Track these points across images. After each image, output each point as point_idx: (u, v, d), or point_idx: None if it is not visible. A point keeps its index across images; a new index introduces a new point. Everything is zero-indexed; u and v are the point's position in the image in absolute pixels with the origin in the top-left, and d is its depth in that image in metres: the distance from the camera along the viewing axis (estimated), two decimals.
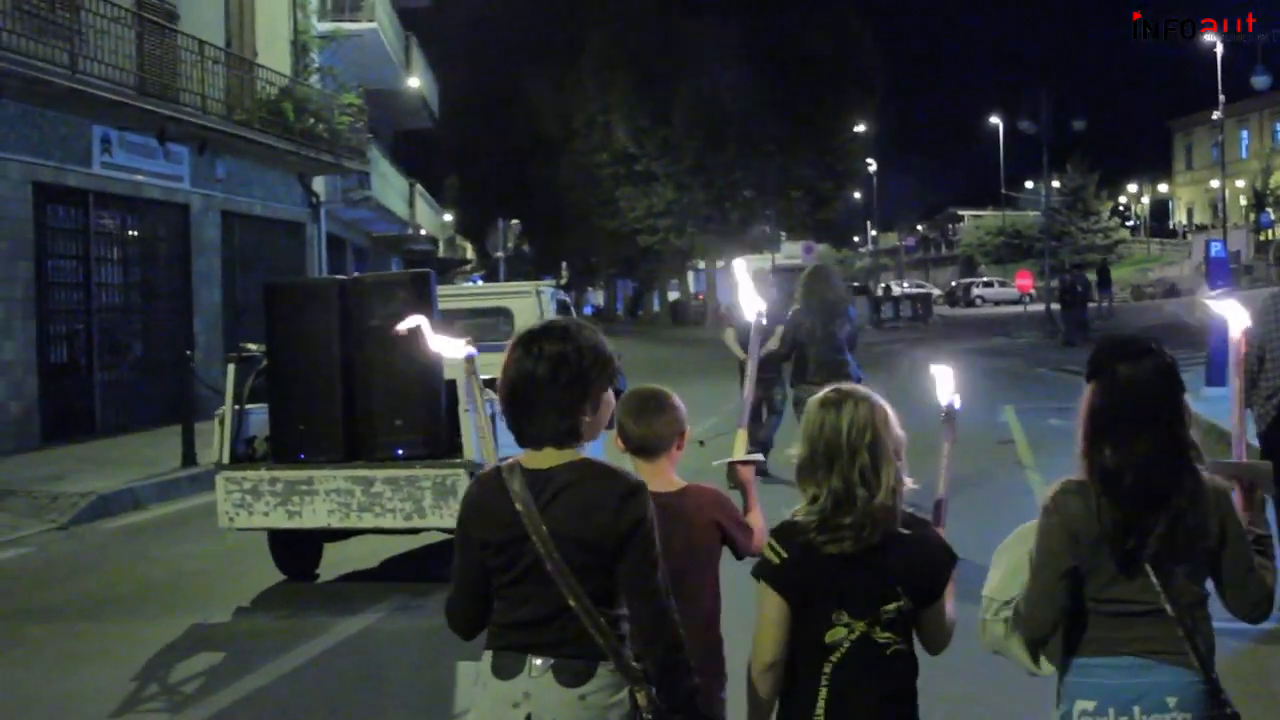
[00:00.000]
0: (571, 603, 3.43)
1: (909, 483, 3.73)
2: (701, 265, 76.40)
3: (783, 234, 74.03)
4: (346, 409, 10.17)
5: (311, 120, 28.04)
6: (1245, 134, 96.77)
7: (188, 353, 19.70)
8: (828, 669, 3.62)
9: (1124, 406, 3.66)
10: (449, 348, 4.04)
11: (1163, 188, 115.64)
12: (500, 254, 36.60)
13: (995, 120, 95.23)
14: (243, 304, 26.25)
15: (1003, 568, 3.97)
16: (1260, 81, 39.06)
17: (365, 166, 31.95)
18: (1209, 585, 3.73)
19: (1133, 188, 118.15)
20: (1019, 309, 53.48)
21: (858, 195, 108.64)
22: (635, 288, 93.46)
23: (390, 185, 38.83)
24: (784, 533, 3.71)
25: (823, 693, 3.62)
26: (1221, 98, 65.27)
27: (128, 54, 21.71)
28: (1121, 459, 3.61)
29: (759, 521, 4.39)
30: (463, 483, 9.64)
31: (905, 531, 3.69)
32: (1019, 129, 57.37)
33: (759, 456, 4.64)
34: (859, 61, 63.62)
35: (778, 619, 3.66)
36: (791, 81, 59.26)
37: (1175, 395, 3.69)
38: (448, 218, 53.12)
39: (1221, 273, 20.71)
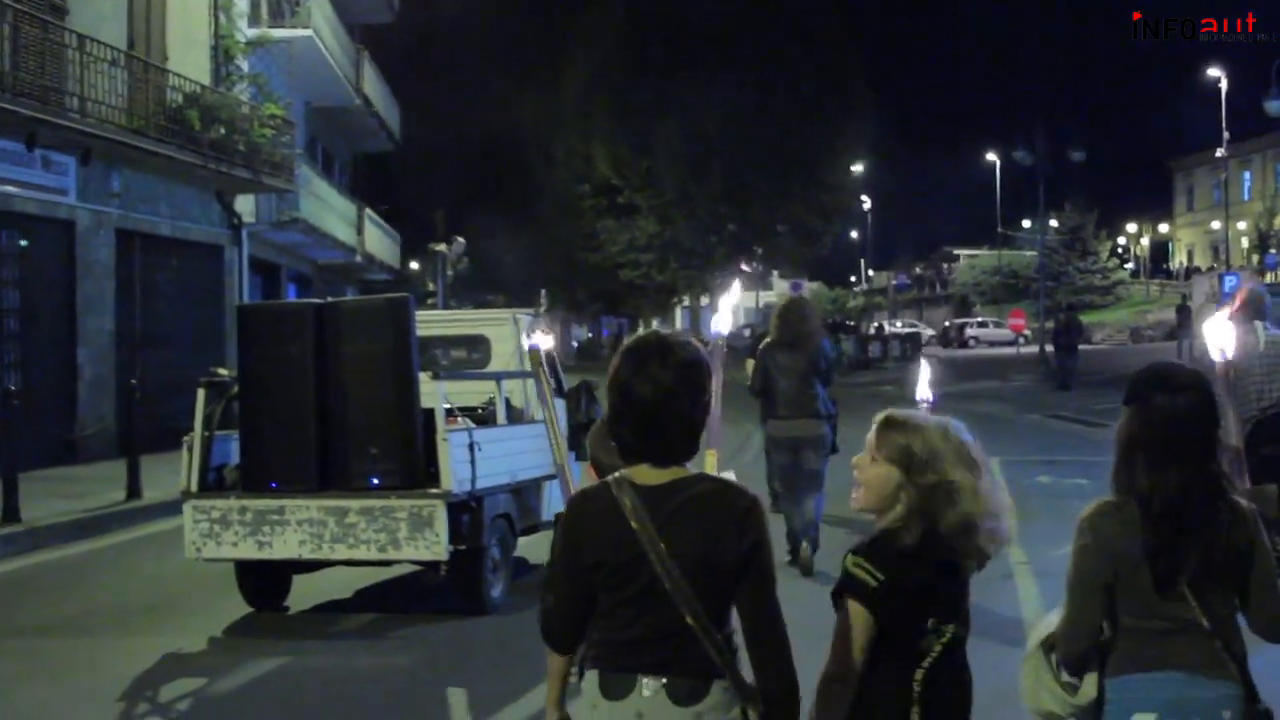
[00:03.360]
0: (690, 621, 3.44)
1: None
2: (687, 301, 74.56)
3: (774, 272, 72.24)
4: (320, 436, 10.13)
5: (222, 131, 25.46)
6: (1248, 175, 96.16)
7: (132, 382, 18.46)
8: (919, 675, 3.67)
9: (1156, 436, 3.83)
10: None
11: (1163, 228, 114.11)
12: (437, 283, 33.88)
13: (993, 158, 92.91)
14: (147, 333, 24.41)
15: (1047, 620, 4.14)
16: (1275, 107, 36.50)
17: (290, 185, 29.13)
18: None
19: (1132, 228, 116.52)
20: (1013, 350, 51.81)
21: (854, 234, 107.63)
22: (620, 323, 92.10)
23: (330, 208, 36.43)
24: (876, 549, 3.74)
25: (915, 697, 3.66)
26: (1226, 134, 63.87)
27: None
28: (1153, 486, 3.79)
29: None
30: (440, 514, 9.78)
31: None
32: (1016, 164, 55.70)
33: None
34: (850, 95, 61.84)
35: (865, 634, 3.66)
36: (780, 114, 58.61)
37: (1209, 429, 3.86)
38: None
39: None
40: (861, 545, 3.79)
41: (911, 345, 64.21)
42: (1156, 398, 3.86)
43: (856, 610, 3.70)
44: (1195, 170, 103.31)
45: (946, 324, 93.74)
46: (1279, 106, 37.46)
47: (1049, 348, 43.30)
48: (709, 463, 4.38)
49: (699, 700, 3.47)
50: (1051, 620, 4.10)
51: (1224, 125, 64.90)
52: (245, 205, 28.86)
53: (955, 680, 3.77)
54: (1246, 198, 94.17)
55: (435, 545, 9.85)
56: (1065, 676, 4.03)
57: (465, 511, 10.16)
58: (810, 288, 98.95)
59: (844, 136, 62.77)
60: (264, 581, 10.91)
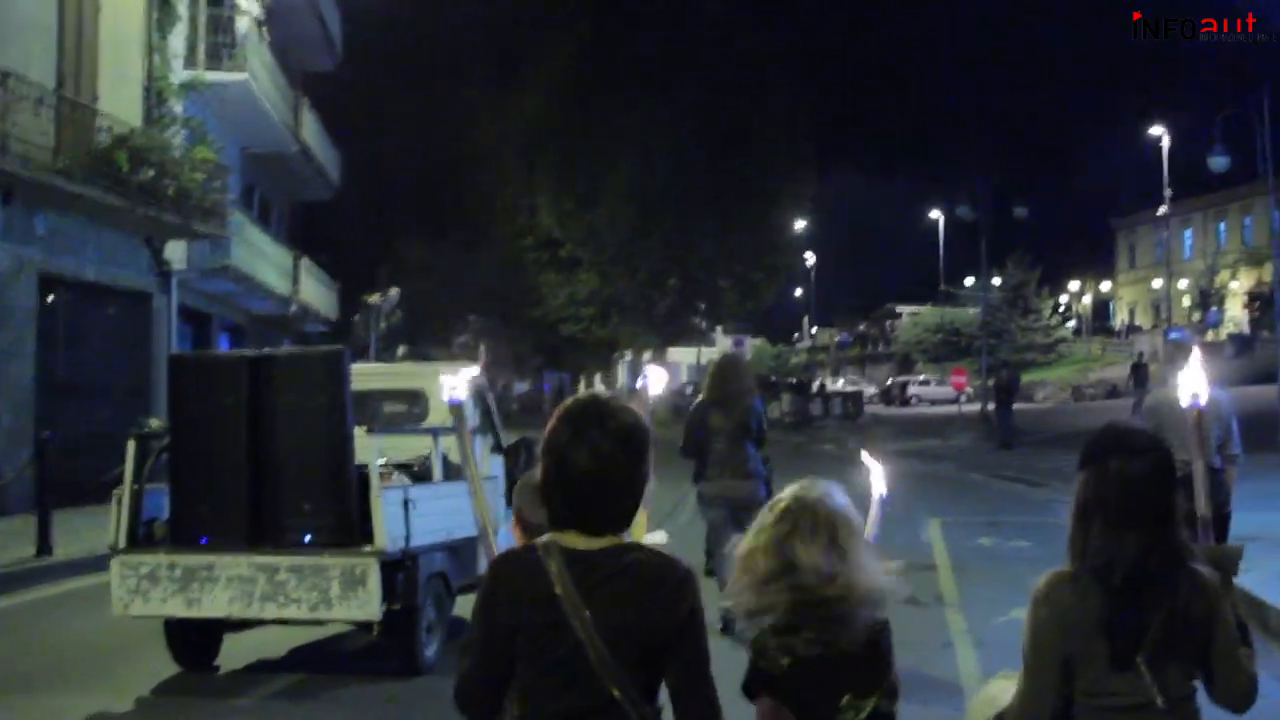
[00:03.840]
0: (616, 695, 3.27)
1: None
2: (629, 356, 74.31)
3: (718, 328, 72.13)
4: (252, 491, 9.91)
5: (151, 173, 24.61)
6: (1189, 234, 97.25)
7: (44, 434, 17.74)
8: None
9: (1112, 501, 3.67)
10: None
11: (1105, 286, 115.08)
12: (370, 335, 33.37)
13: (936, 215, 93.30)
14: (70, 382, 23.72)
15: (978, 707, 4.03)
16: (1218, 163, 36.62)
17: (222, 231, 28.35)
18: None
19: (1075, 285, 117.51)
20: (955, 409, 51.74)
21: (799, 292, 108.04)
22: (562, 378, 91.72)
23: (263, 255, 35.44)
24: (777, 637, 3.68)
25: None
26: (1168, 191, 64.06)
27: None
28: (1110, 554, 3.64)
29: None
30: (373, 573, 9.59)
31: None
32: (960, 222, 55.75)
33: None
34: (796, 149, 61.44)
35: None
36: (722, 168, 57.81)
37: (1166, 494, 3.70)
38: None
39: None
40: (764, 631, 3.72)
41: (853, 403, 64.48)
42: (1113, 461, 3.69)
43: (766, 702, 3.68)
44: (1137, 228, 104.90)
45: (889, 381, 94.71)
46: (1222, 163, 37.48)
47: (990, 406, 43.33)
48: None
49: None
50: (993, 693, 3.95)
51: (1166, 183, 65.52)
52: (176, 252, 28.24)
53: None
54: (1188, 256, 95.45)
55: (368, 605, 9.64)
56: None
57: (399, 570, 9.97)
58: (754, 344, 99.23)
59: (788, 192, 62.89)
60: (193, 639, 10.63)
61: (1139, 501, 3.64)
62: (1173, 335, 21.57)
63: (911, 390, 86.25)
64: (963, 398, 51.49)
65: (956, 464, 32.65)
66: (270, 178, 40.57)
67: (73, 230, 23.71)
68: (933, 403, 77.01)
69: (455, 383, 4.76)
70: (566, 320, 63.60)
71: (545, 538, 3.43)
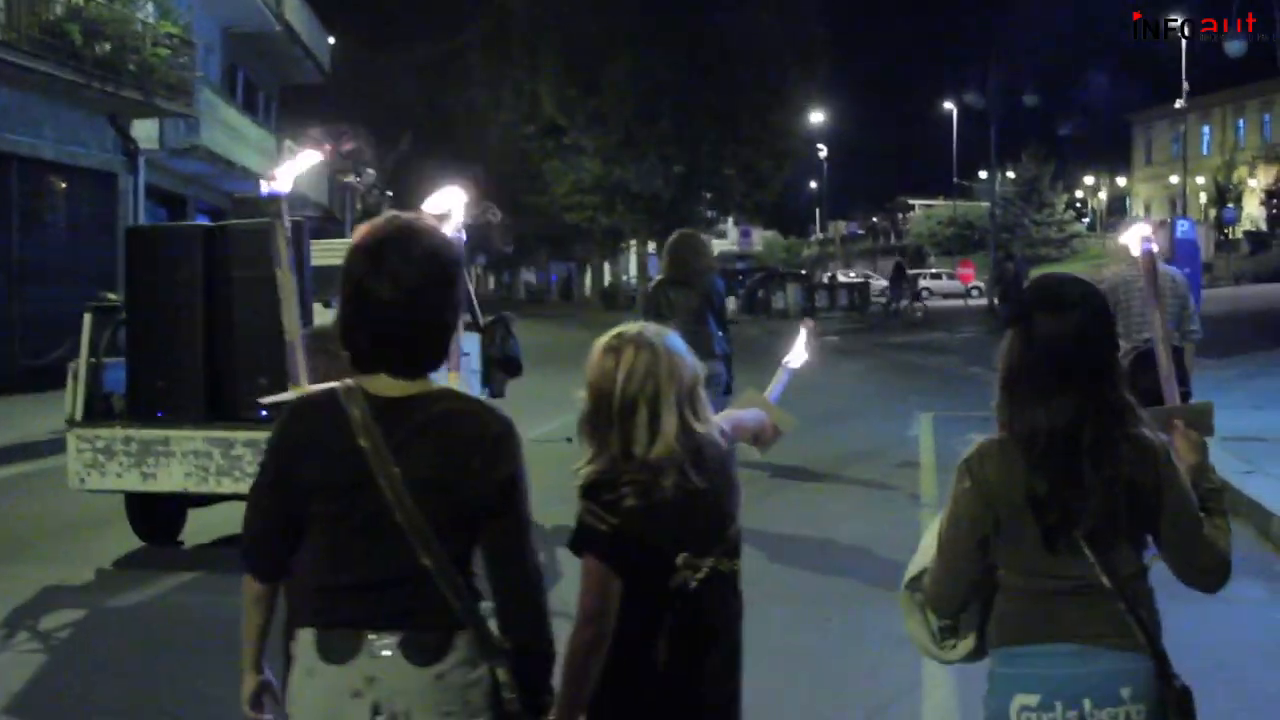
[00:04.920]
0: (427, 562, 2.95)
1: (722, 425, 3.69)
2: (634, 245, 74.07)
3: (729, 219, 71.82)
4: (209, 365, 9.82)
5: (108, 47, 23.61)
6: (1207, 129, 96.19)
7: None
8: (670, 615, 3.45)
9: (1040, 362, 3.32)
10: None
11: (1121, 181, 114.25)
12: (346, 215, 33.06)
13: (949, 106, 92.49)
14: (26, 263, 23.21)
15: (925, 540, 3.63)
16: (1234, 47, 36.07)
17: (188, 109, 27.15)
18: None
19: (1089, 181, 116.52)
20: (962, 303, 51.54)
21: (814, 185, 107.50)
22: (570, 268, 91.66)
23: (241, 137, 34.27)
24: (600, 494, 3.44)
25: (663, 643, 3.46)
26: (1185, 85, 63.51)
27: None
28: (1037, 421, 3.28)
29: None
30: None
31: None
32: (973, 114, 55.15)
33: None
34: (804, 33, 60.60)
35: (607, 586, 3.39)
36: (730, 55, 57.35)
37: (1101, 351, 3.36)
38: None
39: (1188, 256, 17.29)
40: (589, 483, 3.48)
41: (860, 295, 64.09)
42: (1038, 318, 3.33)
43: (593, 564, 3.43)
44: (1154, 123, 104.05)
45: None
46: (1238, 47, 36.84)
47: (995, 300, 43.02)
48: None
49: (440, 658, 2.99)
50: (929, 541, 3.59)
51: (1184, 76, 64.97)
52: (148, 131, 27.39)
53: (718, 614, 3.56)
54: (1206, 152, 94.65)
55: None
56: (938, 623, 3.61)
57: None
58: (765, 236, 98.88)
59: (798, 80, 62.17)
60: (156, 514, 10.65)
61: (1067, 360, 3.29)
62: (1181, 226, 21.09)
63: (923, 284, 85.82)
64: (975, 292, 51.26)
65: (960, 357, 32.12)
66: (255, 58, 39.91)
67: (28, 107, 22.96)
68: (944, 296, 76.70)
69: (281, 170, 4.27)
70: (571, 209, 63.17)
71: (348, 381, 3.09)
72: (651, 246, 63.00)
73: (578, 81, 57.94)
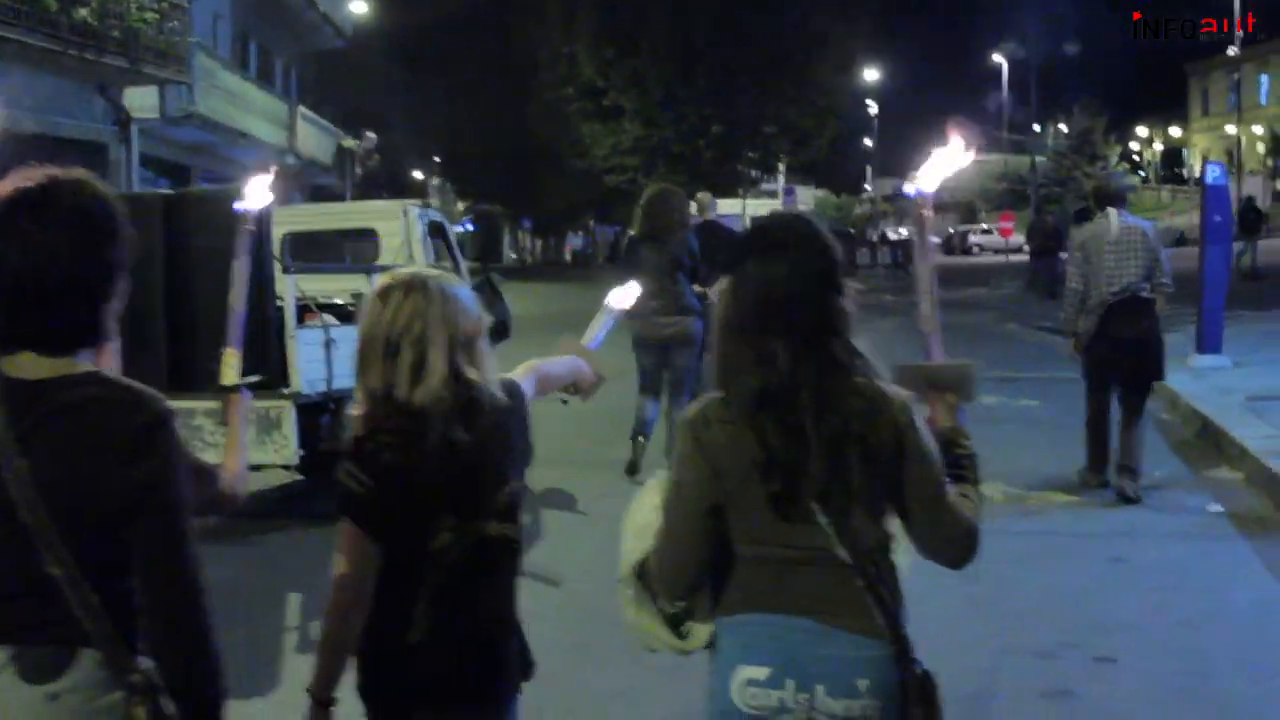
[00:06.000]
0: (55, 570, 2.60)
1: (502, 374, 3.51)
2: None
3: (779, 178, 71.52)
4: (170, 334, 9.85)
5: (84, 13, 22.77)
6: (1265, 78, 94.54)
7: None
8: (430, 581, 3.28)
9: (752, 313, 3.04)
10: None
11: (1175, 133, 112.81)
12: (345, 181, 32.80)
13: (999, 59, 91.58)
14: None
15: (632, 531, 3.32)
16: None
17: (181, 76, 26.36)
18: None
19: (1144, 132, 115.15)
20: (1003, 258, 51.26)
21: (868, 142, 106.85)
22: (616, 231, 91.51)
23: (245, 104, 33.55)
24: (362, 447, 3.31)
25: (423, 608, 3.28)
26: (1239, 33, 62.47)
27: None
28: (750, 374, 3.01)
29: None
30: (288, 416, 9.63)
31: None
32: (1027, 68, 54.50)
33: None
34: None
35: (362, 552, 3.28)
36: (770, 8, 56.14)
37: (823, 295, 3.05)
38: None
39: (1220, 203, 16.79)
40: (355, 440, 3.35)
41: (904, 252, 63.59)
42: (749, 266, 3.06)
43: (349, 527, 3.29)
44: (1210, 73, 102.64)
45: (950, 231, 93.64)
46: None
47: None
48: (227, 364, 3.87)
49: (57, 676, 2.65)
50: (646, 519, 3.28)
51: (1237, 23, 63.85)
52: (146, 100, 26.77)
53: (483, 581, 3.38)
54: (1264, 101, 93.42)
55: (284, 448, 9.66)
56: (670, 609, 3.31)
57: (323, 413, 9.95)
58: (814, 194, 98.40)
59: (841, 37, 61.70)
60: None
61: (781, 308, 3.00)
62: (1213, 176, 20.55)
63: (973, 239, 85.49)
64: (1024, 247, 50.77)
65: (996, 314, 32.18)
66: (268, 25, 39.39)
67: (7, 75, 21.94)
68: (996, 252, 76.25)
69: (252, 186, 4.12)
70: (611, 171, 63.12)
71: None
72: (694, 208, 62.72)
73: (615, 42, 57.77)
